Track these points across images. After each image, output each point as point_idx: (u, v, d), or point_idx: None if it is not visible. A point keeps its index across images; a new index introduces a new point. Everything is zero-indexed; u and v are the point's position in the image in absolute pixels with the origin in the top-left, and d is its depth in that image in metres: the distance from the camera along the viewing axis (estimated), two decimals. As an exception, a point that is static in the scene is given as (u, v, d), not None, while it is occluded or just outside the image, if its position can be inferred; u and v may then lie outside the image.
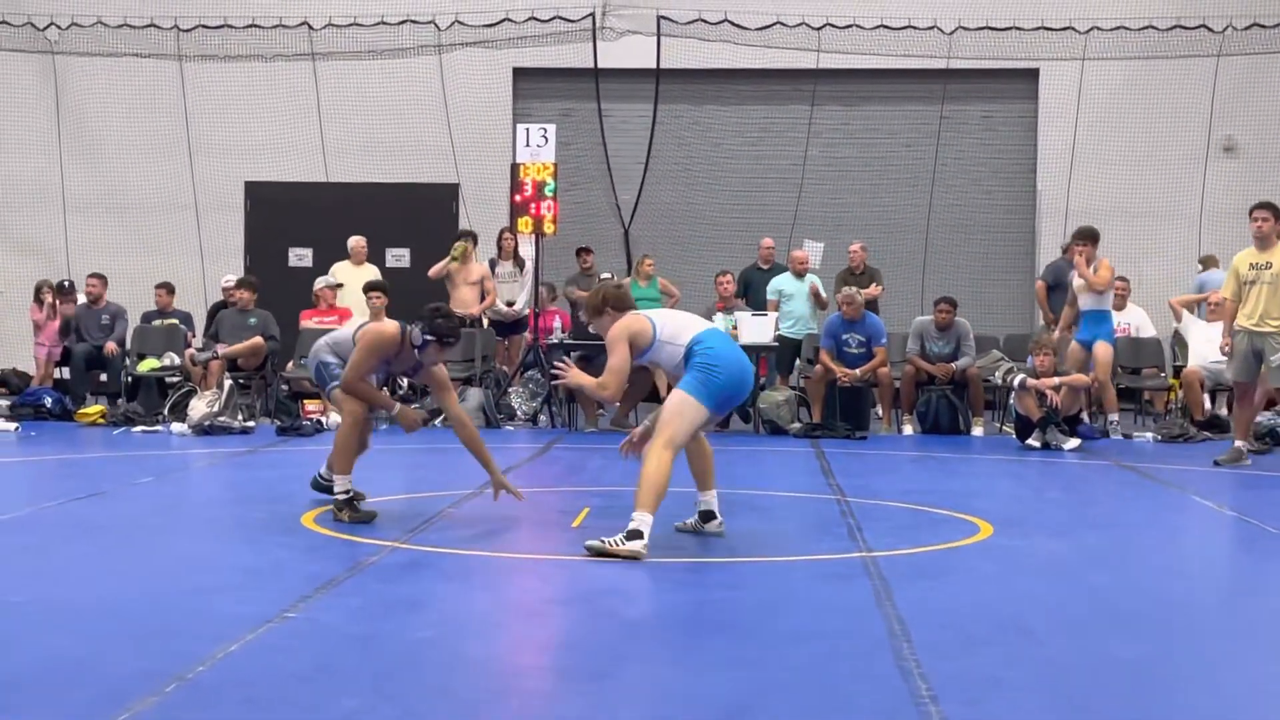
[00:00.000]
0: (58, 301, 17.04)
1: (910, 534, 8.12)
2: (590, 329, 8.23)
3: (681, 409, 7.41)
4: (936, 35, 18.96)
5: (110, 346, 15.93)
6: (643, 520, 7.12)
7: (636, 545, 7.03)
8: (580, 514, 8.55)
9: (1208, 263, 17.19)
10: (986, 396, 15.09)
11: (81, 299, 16.71)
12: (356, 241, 17.06)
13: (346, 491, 8.21)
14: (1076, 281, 14.16)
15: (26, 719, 4.20)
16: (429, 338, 8.14)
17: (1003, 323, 18.55)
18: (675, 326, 7.63)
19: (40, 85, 20.21)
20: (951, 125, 19.94)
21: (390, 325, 8.44)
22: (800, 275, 16.34)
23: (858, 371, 14.62)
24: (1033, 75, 19.77)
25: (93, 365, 16.05)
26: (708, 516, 7.83)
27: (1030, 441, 13.23)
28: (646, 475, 7.24)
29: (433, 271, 16.47)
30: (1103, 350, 14.11)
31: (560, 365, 8.04)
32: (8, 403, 15.38)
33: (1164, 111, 19.26)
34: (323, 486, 8.77)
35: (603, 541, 7.09)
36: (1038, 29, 18.92)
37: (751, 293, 16.44)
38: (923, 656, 5.08)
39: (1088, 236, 14.24)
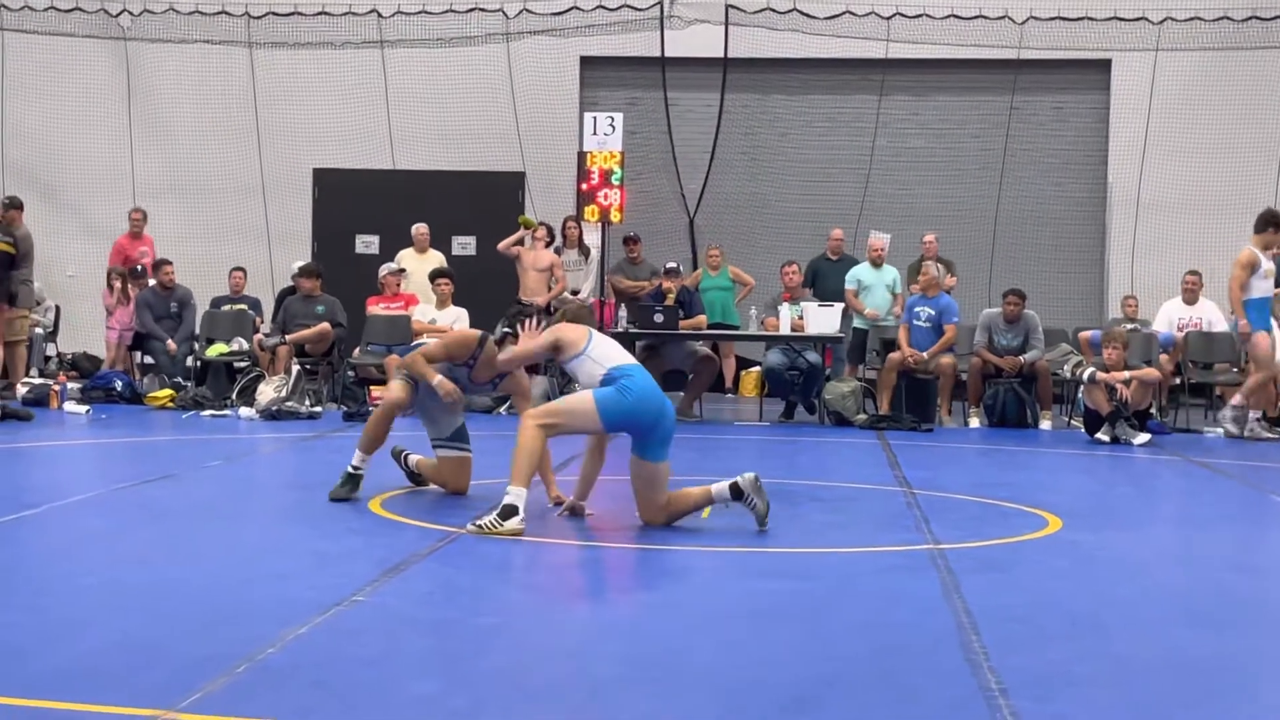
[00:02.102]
0: (129, 286, 17.22)
1: (978, 527, 8.07)
2: None
3: (578, 407, 7.49)
4: (1007, 25, 18.81)
5: (171, 346, 16.07)
6: (516, 494, 7.24)
7: (514, 523, 7.17)
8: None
9: None
10: (1055, 390, 14.97)
11: (152, 282, 16.87)
12: (419, 229, 17.14)
13: (356, 468, 8.46)
14: (1266, 265, 13.66)
15: (99, 700, 4.23)
16: (508, 331, 8.27)
17: (1072, 315, 18.40)
18: (606, 350, 7.72)
19: (112, 72, 20.42)
20: (1022, 116, 19.79)
21: (472, 331, 8.81)
22: (877, 264, 16.26)
23: (925, 355, 14.58)
24: (1105, 66, 19.57)
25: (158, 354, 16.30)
26: (736, 492, 7.65)
27: (1099, 435, 13.12)
28: (520, 448, 7.35)
29: (501, 245, 16.56)
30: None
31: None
32: (79, 386, 15.54)
33: (1238, 103, 19.02)
34: (398, 456, 9.06)
35: (479, 526, 7.21)
36: (1110, 19, 18.74)
37: (819, 283, 16.37)
38: (991, 650, 5.03)
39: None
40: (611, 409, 7.43)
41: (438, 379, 8.42)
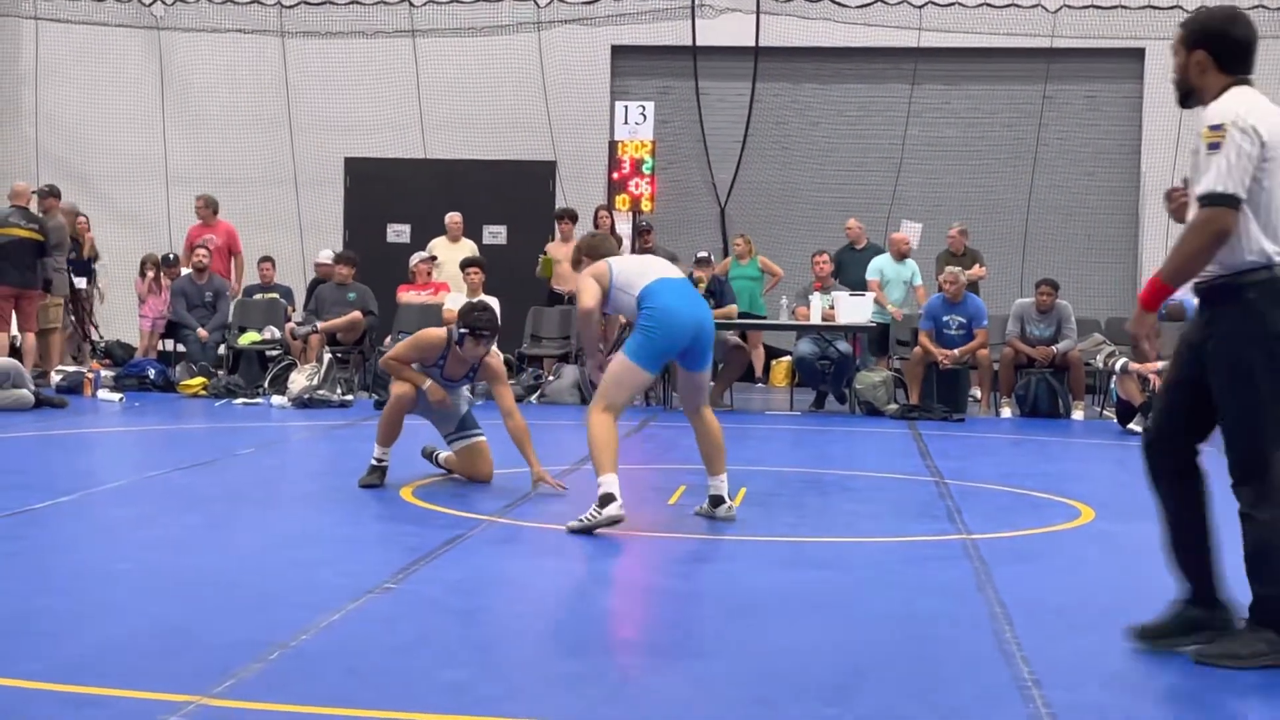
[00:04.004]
0: (162, 274, 17.30)
1: (1010, 517, 8.04)
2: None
3: (621, 376, 7.39)
4: (1040, 14, 18.71)
5: (202, 334, 16.12)
6: (609, 482, 7.13)
7: (613, 509, 7.06)
8: (676, 491, 8.55)
9: None
10: (1087, 380, 14.89)
11: (185, 270, 16.92)
12: (453, 218, 17.16)
13: (380, 459, 8.57)
14: None
15: (133, 686, 4.25)
16: (463, 331, 8.43)
17: (1104, 306, 18.32)
18: (630, 274, 7.55)
19: (145, 61, 20.50)
20: (1054, 105, 19.69)
21: (439, 330, 8.89)
22: (901, 258, 16.20)
23: (956, 352, 14.48)
24: (1138, 55, 19.45)
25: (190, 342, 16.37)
26: (716, 501, 7.64)
27: (1132, 426, 13.05)
28: (592, 440, 7.27)
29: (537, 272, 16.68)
30: None
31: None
32: (112, 374, 15.62)
33: (1273, 92, 18.80)
34: (428, 455, 9.18)
35: (581, 520, 7.10)
36: (1144, 7, 18.62)
37: (843, 273, 16.32)
38: (1024, 640, 5.02)
39: None
40: (646, 356, 7.36)
41: (428, 383, 8.58)
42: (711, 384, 14.96)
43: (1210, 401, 4.96)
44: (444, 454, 9.06)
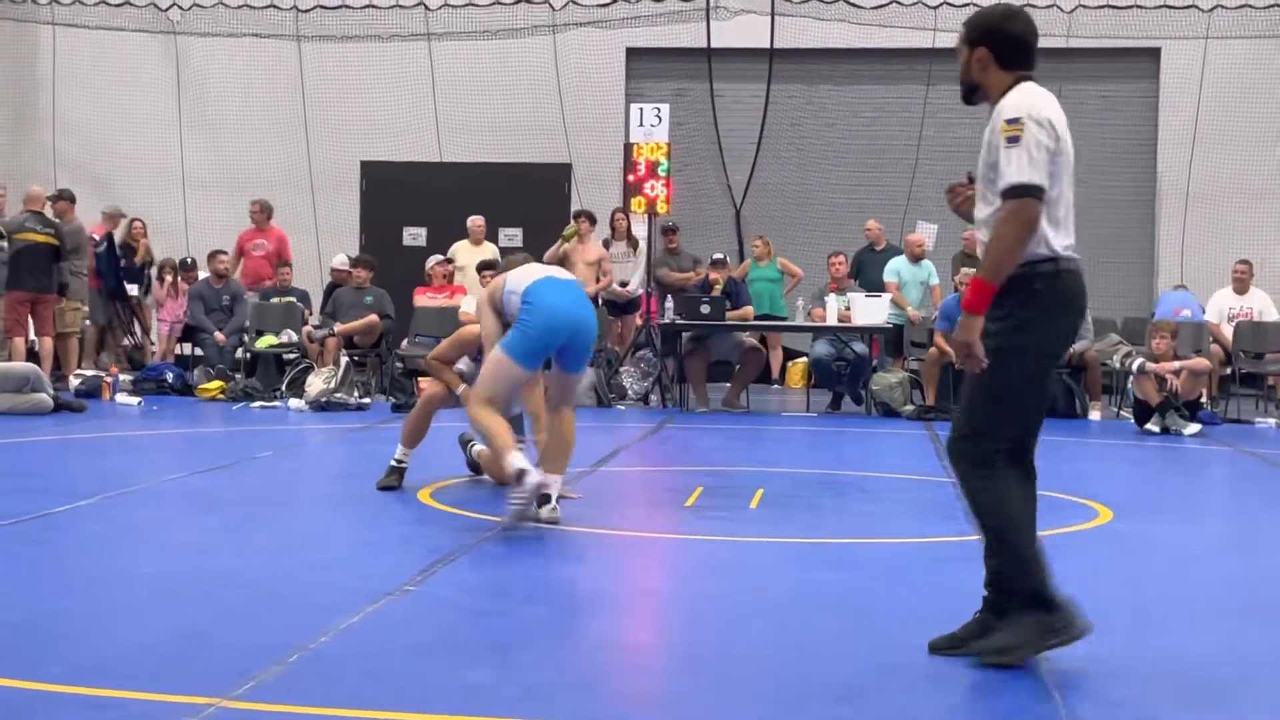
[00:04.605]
0: (179, 278, 17.34)
1: (1027, 518, 8.00)
2: None
3: (496, 370, 7.48)
4: (1056, 14, 18.67)
5: (219, 337, 16.16)
6: (517, 459, 7.13)
7: (531, 479, 7.08)
8: (693, 493, 8.55)
9: None
10: (1104, 380, 14.86)
11: (204, 274, 16.97)
12: (475, 221, 17.18)
13: (400, 460, 8.58)
14: None
15: (153, 687, 4.27)
16: None
17: (1121, 306, 18.27)
18: (521, 277, 7.67)
19: (162, 65, 20.55)
20: (1070, 105, 19.20)
21: (477, 328, 8.78)
22: (916, 259, 16.19)
23: (973, 354, 14.43)
24: (1154, 54, 19.40)
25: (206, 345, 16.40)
26: (544, 500, 7.39)
27: (1149, 426, 13.02)
28: (481, 429, 7.45)
29: (547, 256, 16.52)
30: None
31: None
32: (131, 377, 15.66)
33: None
34: (464, 444, 9.24)
35: (513, 505, 7.12)
36: (1160, 7, 18.57)
37: (863, 274, 16.33)
38: (1043, 641, 5.00)
39: None
40: (520, 350, 7.42)
41: (462, 388, 8.59)
42: (728, 385, 15.05)
43: None
44: (479, 447, 9.05)
